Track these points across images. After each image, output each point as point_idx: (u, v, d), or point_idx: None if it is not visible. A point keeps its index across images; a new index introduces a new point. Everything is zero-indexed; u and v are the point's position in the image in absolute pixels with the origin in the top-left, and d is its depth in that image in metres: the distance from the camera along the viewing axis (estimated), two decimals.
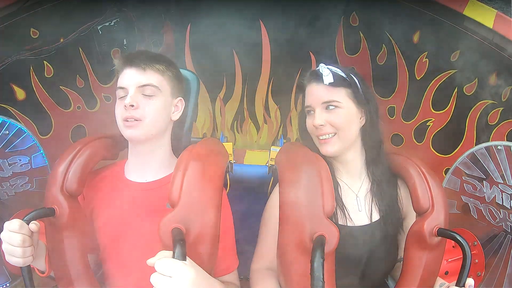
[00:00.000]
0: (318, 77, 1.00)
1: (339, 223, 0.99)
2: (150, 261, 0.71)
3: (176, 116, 1.03)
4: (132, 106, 0.91)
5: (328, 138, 0.98)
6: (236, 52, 2.09)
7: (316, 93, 1.00)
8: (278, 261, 0.90)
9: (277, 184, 0.99)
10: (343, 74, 0.99)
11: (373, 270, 1.02)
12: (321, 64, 1.01)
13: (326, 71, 0.99)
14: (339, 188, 1.02)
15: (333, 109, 0.98)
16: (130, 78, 0.94)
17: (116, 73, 1.00)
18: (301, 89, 1.06)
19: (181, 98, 1.04)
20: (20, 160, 1.32)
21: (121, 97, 0.96)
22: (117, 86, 0.97)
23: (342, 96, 0.98)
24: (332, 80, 0.98)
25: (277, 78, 2.19)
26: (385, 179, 1.05)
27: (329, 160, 1.04)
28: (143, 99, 0.93)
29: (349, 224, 1.00)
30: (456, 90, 1.62)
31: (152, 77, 0.95)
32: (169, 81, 0.99)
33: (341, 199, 1.01)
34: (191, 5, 1.95)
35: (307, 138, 1.08)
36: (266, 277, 0.99)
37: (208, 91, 2.26)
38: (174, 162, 0.91)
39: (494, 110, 1.44)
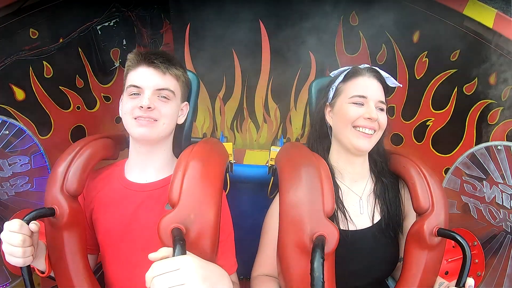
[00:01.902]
0: (376, 73, 1.02)
1: (340, 227, 0.98)
2: (152, 255, 0.71)
3: (181, 119, 1.04)
4: (150, 108, 0.91)
5: (371, 134, 0.98)
6: (235, 51, 2.09)
7: (373, 88, 1.00)
8: (278, 261, 0.90)
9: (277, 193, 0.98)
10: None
11: (374, 272, 1.01)
12: (374, 67, 1.04)
13: (385, 73, 1.03)
14: (340, 191, 1.02)
15: (381, 110, 1.00)
16: (148, 79, 0.93)
17: (127, 68, 0.98)
18: (350, 76, 1.03)
19: (187, 103, 1.06)
20: (20, 160, 1.32)
21: (133, 95, 0.94)
22: (129, 83, 0.95)
23: (385, 101, 1.02)
24: (392, 85, 1.03)
25: (277, 78, 2.19)
26: (387, 180, 1.05)
27: (332, 164, 1.04)
28: (158, 101, 0.94)
29: (350, 228, 0.99)
30: (456, 89, 1.62)
31: (170, 81, 0.96)
32: (182, 87, 1.01)
33: (342, 202, 1.01)
34: (191, 5, 1.94)
35: (319, 129, 1.08)
36: (266, 282, 0.99)
37: (207, 91, 2.26)
38: (175, 163, 0.91)
39: (494, 110, 1.44)
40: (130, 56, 0.97)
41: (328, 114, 1.07)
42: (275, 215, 0.95)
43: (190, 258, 0.71)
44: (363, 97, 0.98)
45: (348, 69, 1.06)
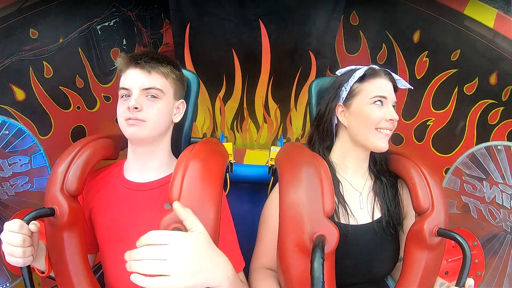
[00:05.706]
0: (390, 76, 1.04)
1: (341, 221, 0.99)
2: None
3: (177, 118, 1.03)
4: (136, 108, 0.91)
5: (388, 134, 1.00)
6: (235, 51, 2.08)
7: (390, 89, 1.02)
8: (278, 261, 0.90)
9: (277, 183, 0.99)
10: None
11: (374, 268, 1.02)
12: (386, 69, 1.06)
13: (396, 76, 1.06)
14: (340, 185, 1.02)
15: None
16: (135, 79, 0.94)
17: (118, 72, 0.99)
18: (369, 77, 1.03)
19: (183, 101, 1.05)
20: (20, 160, 1.32)
21: (124, 97, 0.95)
22: (120, 85, 0.96)
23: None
24: (402, 87, 1.07)
25: (277, 78, 2.18)
26: (386, 179, 1.06)
27: (333, 161, 1.05)
28: (146, 101, 0.93)
29: (351, 222, 1.00)
30: (456, 89, 1.61)
31: (157, 80, 0.95)
32: (173, 84, 1.00)
33: (343, 196, 1.01)
34: (190, 5, 1.94)
35: (326, 129, 1.08)
36: (265, 277, 0.99)
37: (207, 91, 2.26)
38: (174, 162, 0.91)
39: (494, 110, 1.44)
40: (118, 60, 0.98)
41: (340, 114, 1.06)
42: (274, 206, 0.96)
43: (187, 236, 0.67)
44: (384, 97, 1.00)
45: (360, 68, 1.05)
